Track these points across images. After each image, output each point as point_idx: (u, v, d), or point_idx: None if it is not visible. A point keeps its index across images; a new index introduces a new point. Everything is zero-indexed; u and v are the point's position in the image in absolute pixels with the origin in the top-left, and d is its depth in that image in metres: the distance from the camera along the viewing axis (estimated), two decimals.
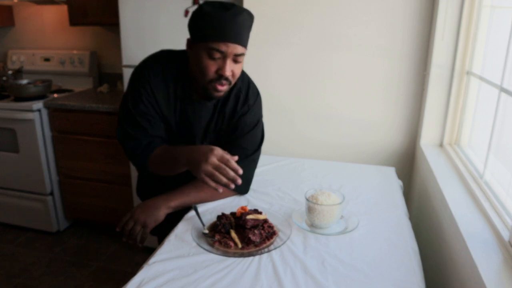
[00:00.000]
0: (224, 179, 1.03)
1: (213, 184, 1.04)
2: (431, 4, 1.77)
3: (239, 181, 1.04)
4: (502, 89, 1.25)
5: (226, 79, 1.14)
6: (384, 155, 2.01)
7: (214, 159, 1.03)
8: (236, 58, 1.13)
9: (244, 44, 1.13)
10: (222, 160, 1.04)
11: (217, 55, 1.11)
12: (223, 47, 1.09)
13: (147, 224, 1.19)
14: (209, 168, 1.03)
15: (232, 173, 1.03)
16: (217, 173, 1.03)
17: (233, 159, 1.05)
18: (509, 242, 0.97)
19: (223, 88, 1.16)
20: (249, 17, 1.14)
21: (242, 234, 1.06)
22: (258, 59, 2.03)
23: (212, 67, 1.12)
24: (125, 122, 1.25)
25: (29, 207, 2.59)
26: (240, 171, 1.05)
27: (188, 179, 1.28)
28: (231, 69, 1.13)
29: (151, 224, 1.20)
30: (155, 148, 1.24)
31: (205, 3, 1.13)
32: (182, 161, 1.11)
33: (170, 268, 0.96)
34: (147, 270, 0.95)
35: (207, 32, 1.10)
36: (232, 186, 1.04)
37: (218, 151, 1.05)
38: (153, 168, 1.26)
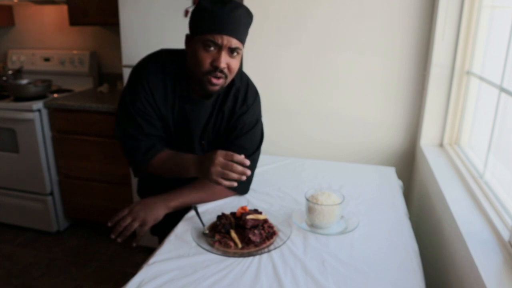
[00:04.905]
0: (234, 175, 1.09)
1: (226, 182, 1.10)
2: (431, 4, 1.77)
3: (248, 172, 1.09)
4: (502, 89, 1.25)
5: (221, 71, 1.13)
6: (384, 155, 2.01)
7: (220, 159, 1.09)
8: (231, 52, 1.13)
9: (240, 38, 1.13)
10: (227, 157, 1.09)
11: (212, 46, 1.11)
12: (218, 39, 1.10)
13: (147, 222, 1.19)
14: (218, 168, 1.09)
15: (240, 167, 1.09)
16: (226, 171, 1.09)
17: (239, 157, 1.10)
18: (509, 242, 0.97)
19: (218, 81, 1.16)
20: (247, 13, 1.15)
21: (242, 234, 1.06)
22: (258, 59, 2.03)
23: (207, 58, 1.12)
24: (123, 120, 1.25)
25: (29, 207, 2.58)
26: (247, 162, 1.09)
27: (189, 179, 1.28)
28: (226, 62, 1.13)
29: (151, 223, 1.20)
30: (156, 153, 1.24)
31: None
32: (191, 170, 1.18)
33: (170, 268, 0.96)
34: (147, 270, 0.95)
35: (203, 25, 1.11)
36: (243, 178, 1.10)
37: (221, 151, 1.10)
38: (155, 171, 1.27)
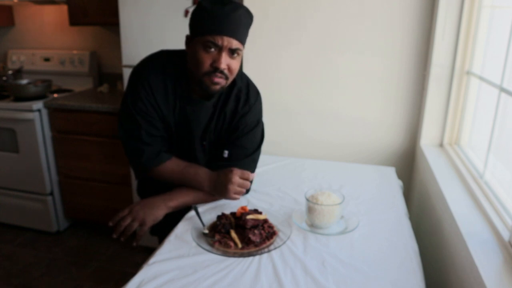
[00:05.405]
0: (244, 190, 1.27)
1: (239, 197, 1.27)
2: (431, 4, 1.77)
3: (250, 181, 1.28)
4: (502, 89, 1.25)
5: (222, 72, 1.13)
6: (384, 155, 2.01)
7: (236, 178, 1.22)
8: (232, 53, 1.13)
9: (240, 39, 1.13)
10: (242, 176, 1.23)
11: (213, 47, 1.11)
12: (218, 40, 1.10)
13: (146, 222, 1.19)
14: (235, 187, 1.23)
15: (249, 184, 1.27)
16: (241, 189, 1.24)
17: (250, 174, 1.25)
18: (509, 242, 0.97)
19: (220, 80, 1.15)
20: (248, 14, 1.15)
21: (242, 234, 1.06)
22: (258, 59, 2.03)
23: (207, 59, 1.12)
24: (125, 121, 1.25)
25: (29, 207, 2.59)
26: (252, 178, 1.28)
27: None
28: (226, 63, 1.13)
29: (150, 223, 1.20)
30: (162, 161, 1.25)
31: None
32: (205, 185, 1.26)
33: (170, 268, 0.96)
34: (147, 270, 0.95)
35: (204, 26, 1.11)
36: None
37: (237, 170, 1.23)
38: (159, 178, 1.28)
